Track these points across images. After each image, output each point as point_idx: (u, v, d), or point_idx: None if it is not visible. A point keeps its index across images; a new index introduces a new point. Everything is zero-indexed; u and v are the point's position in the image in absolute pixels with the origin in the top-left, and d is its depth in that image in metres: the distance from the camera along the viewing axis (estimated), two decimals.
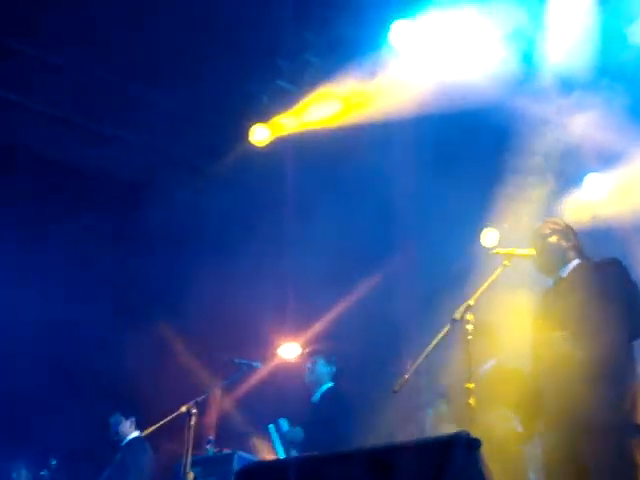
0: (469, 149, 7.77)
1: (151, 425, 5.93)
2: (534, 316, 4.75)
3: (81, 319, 8.35)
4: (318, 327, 8.66)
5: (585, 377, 4.19)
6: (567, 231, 4.82)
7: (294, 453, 6.43)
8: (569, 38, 6.74)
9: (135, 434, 7.53)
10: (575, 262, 4.73)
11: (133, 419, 7.57)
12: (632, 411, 4.23)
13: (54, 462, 8.03)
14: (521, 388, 4.81)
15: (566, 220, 4.96)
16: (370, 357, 8.70)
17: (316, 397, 6.87)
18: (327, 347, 7.17)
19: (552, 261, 4.71)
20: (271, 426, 6.60)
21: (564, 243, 4.75)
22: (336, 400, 6.74)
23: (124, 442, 7.52)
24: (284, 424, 6.59)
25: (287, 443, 6.47)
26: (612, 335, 4.29)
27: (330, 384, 6.89)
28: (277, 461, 5.17)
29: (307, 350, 7.32)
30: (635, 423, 4.21)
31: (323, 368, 6.90)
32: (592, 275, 4.54)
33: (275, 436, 6.54)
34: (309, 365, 6.94)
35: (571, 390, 4.22)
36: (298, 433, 6.45)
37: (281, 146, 8.28)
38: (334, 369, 6.96)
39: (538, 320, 4.65)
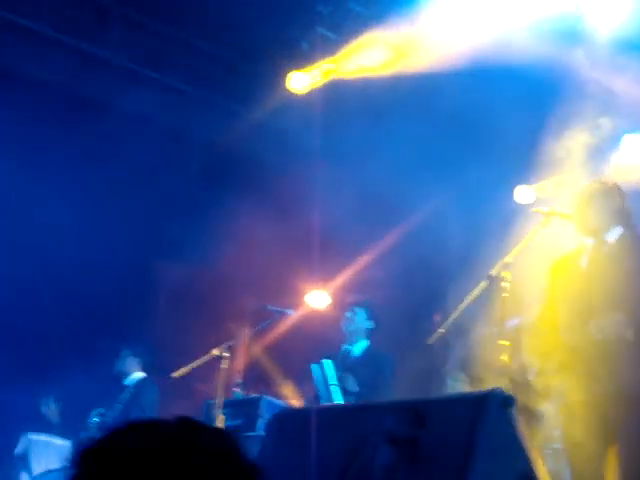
0: (509, 105, 7.64)
1: (182, 366, 6.00)
2: (572, 274, 4.66)
3: (109, 258, 8.35)
4: (347, 276, 8.65)
5: (631, 356, 4.20)
6: (614, 193, 4.71)
7: (337, 395, 6.29)
8: None
9: (141, 374, 7.62)
10: (620, 229, 4.64)
11: (140, 360, 7.64)
12: None
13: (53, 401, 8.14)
14: (549, 341, 4.77)
15: (611, 180, 4.82)
16: (402, 308, 8.71)
17: (354, 352, 6.72)
18: (371, 300, 7.00)
19: (596, 223, 4.63)
20: (314, 366, 6.47)
21: (608, 205, 4.65)
22: (380, 364, 6.57)
23: (131, 381, 7.59)
24: (329, 366, 6.41)
25: (334, 387, 6.28)
26: None
27: (367, 342, 6.72)
28: (309, 408, 5.21)
29: (349, 300, 7.11)
30: None
31: (363, 321, 6.71)
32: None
33: (319, 376, 6.40)
34: (349, 314, 6.74)
35: (617, 366, 4.22)
36: (354, 384, 6.29)
37: (319, 94, 8.21)
38: (373, 324, 6.79)
39: (578, 281, 4.58)
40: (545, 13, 6.85)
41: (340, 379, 6.28)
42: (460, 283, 8.83)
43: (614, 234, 4.60)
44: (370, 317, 6.76)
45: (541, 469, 3.32)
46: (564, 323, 4.49)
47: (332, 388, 6.19)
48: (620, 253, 4.49)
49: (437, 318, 9.42)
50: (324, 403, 6.09)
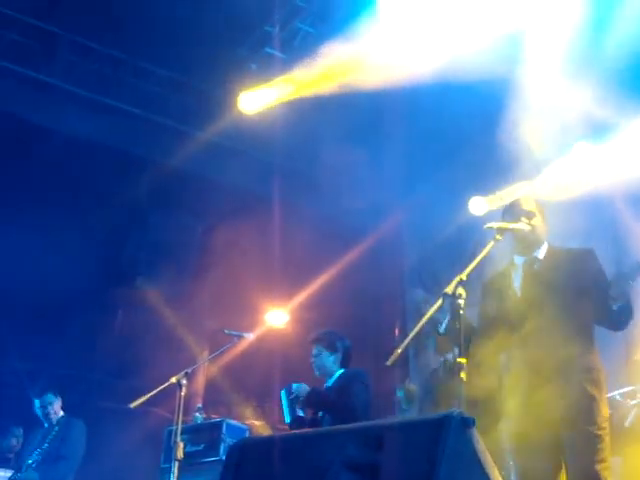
0: (460, 122, 7.74)
1: (139, 394, 5.94)
2: (505, 294, 4.70)
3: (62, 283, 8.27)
4: (306, 294, 8.66)
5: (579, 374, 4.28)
6: (542, 211, 4.81)
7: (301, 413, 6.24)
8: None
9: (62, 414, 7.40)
10: (546, 245, 4.74)
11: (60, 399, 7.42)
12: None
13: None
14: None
15: (532, 199, 4.91)
16: (360, 325, 8.73)
17: (329, 384, 6.68)
18: (326, 334, 6.92)
19: (537, 241, 4.70)
20: (283, 392, 6.41)
21: (543, 224, 4.75)
22: (349, 380, 6.49)
23: (56, 420, 7.32)
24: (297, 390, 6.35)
25: (294, 400, 6.19)
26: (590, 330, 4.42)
27: (341, 370, 6.66)
28: (269, 437, 5.18)
29: (308, 339, 7.00)
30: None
31: (328, 358, 6.62)
32: (574, 261, 4.55)
33: (286, 402, 6.34)
34: (314, 359, 6.65)
35: (563, 385, 4.29)
36: (304, 388, 6.22)
37: (270, 114, 8.22)
38: (340, 355, 6.68)
39: (511, 302, 4.62)
40: (492, 34, 6.95)
41: (296, 388, 6.27)
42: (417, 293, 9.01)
43: (542, 250, 4.69)
44: (333, 349, 6.64)
45: None
46: (501, 344, 4.54)
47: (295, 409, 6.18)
48: (550, 267, 4.57)
49: (397, 333, 9.51)
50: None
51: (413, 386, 5.72)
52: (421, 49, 7.20)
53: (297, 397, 6.18)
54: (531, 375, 4.39)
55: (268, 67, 8.17)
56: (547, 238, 4.74)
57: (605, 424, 4.31)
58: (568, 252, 4.66)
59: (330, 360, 6.47)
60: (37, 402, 7.32)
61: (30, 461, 6.98)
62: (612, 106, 7.23)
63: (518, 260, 4.70)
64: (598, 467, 4.21)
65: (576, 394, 4.28)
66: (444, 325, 4.54)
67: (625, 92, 7.02)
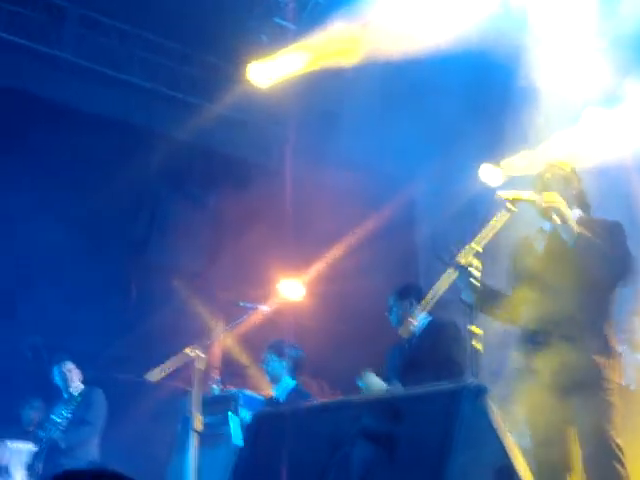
0: (467, 88, 7.71)
1: (155, 366, 5.99)
2: (530, 258, 4.70)
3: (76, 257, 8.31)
4: (320, 266, 8.66)
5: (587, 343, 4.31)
6: (570, 177, 4.74)
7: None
8: None
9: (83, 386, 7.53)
10: (577, 212, 4.69)
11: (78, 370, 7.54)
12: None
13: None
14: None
15: (568, 165, 4.85)
16: (374, 298, 8.73)
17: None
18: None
19: (553, 209, 4.66)
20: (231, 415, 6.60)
21: (566, 191, 4.69)
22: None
23: (78, 391, 7.48)
24: (244, 413, 6.55)
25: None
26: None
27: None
28: (288, 409, 5.22)
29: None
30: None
31: (276, 364, 6.80)
32: (597, 231, 4.53)
33: (235, 424, 6.52)
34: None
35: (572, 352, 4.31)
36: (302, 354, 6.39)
37: (281, 85, 8.19)
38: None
39: (535, 265, 4.63)
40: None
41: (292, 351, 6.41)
42: (431, 270, 9.00)
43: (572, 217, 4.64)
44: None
45: (519, 459, 3.35)
46: (522, 309, 4.55)
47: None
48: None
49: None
50: None
51: (373, 376, 5.70)
52: (432, 20, 7.16)
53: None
54: (544, 339, 4.40)
55: (278, 38, 8.12)
56: (581, 204, 4.71)
57: (614, 390, 4.32)
58: (594, 221, 4.63)
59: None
60: (56, 369, 7.44)
61: (55, 426, 7.11)
62: (623, 73, 7.18)
63: (546, 226, 4.68)
64: (608, 429, 4.24)
65: (585, 360, 4.29)
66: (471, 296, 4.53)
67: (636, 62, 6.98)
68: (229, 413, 6.52)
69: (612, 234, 4.48)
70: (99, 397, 7.44)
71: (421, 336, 5.84)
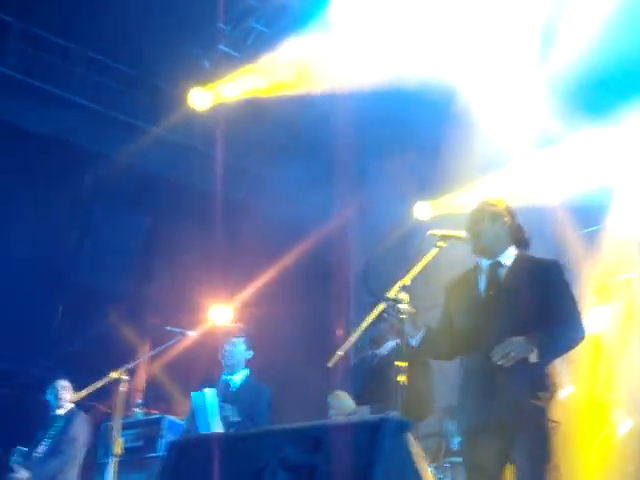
0: (406, 125, 7.83)
1: (81, 389, 5.91)
2: (470, 297, 4.75)
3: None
4: (250, 292, 8.65)
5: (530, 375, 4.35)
6: (502, 214, 4.81)
7: (214, 423, 6.33)
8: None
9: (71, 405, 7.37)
10: (513, 250, 4.74)
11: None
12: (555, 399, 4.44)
13: None
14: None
15: (502, 201, 4.93)
16: (303, 324, 8.76)
17: (234, 383, 6.74)
18: (249, 329, 7.01)
19: (488, 245, 4.72)
20: (195, 394, 6.46)
21: (498, 227, 4.74)
22: (258, 395, 6.60)
23: (64, 412, 7.28)
24: (212, 395, 6.41)
25: (217, 415, 6.30)
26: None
27: (247, 372, 6.75)
28: (209, 435, 5.19)
29: (228, 327, 7.08)
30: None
31: (243, 352, 6.72)
32: (540, 273, 4.60)
33: (199, 404, 6.40)
34: (229, 347, 6.72)
35: (515, 389, 4.36)
36: (234, 413, 6.31)
37: (221, 111, 8.22)
38: (252, 353, 6.81)
39: (477, 306, 4.66)
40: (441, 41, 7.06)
41: (221, 408, 6.29)
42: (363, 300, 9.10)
43: (509, 256, 4.70)
44: (249, 347, 6.75)
45: None
46: (463, 347, 4.58)
47: (212, 418, 6.22)
48: (516, 276, 4.60)
49: (339, 333, 9.57)
50: (201, 432, 6.08)
51: (343, 393, 5.74)
52: (371, 54, 7.27)
53: (226, 417, 6.25)
54: (486, 377, 4.44)
55: (221, 65, 8.15)
56: (516, 240, 4.77)
57: (554, 429, 4.38)
58: (535, 261, 4.67)
59: (244, 356, 6.61)
60: (51, 386, 7.24)
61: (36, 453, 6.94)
62: (558, 119, 7.38)
63: (484, 263, 4.73)
64: (547, 469, 4.29)
65: (527, 399, 4.33)
66: (417, 339, 4.57)
67: (571, 106, 7.17)
68: (193, 393, 6.40)
69: (564, 291, 4.52)
70: (79, 422, 7.18)
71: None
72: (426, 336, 4.53)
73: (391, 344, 6.11)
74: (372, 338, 6.08)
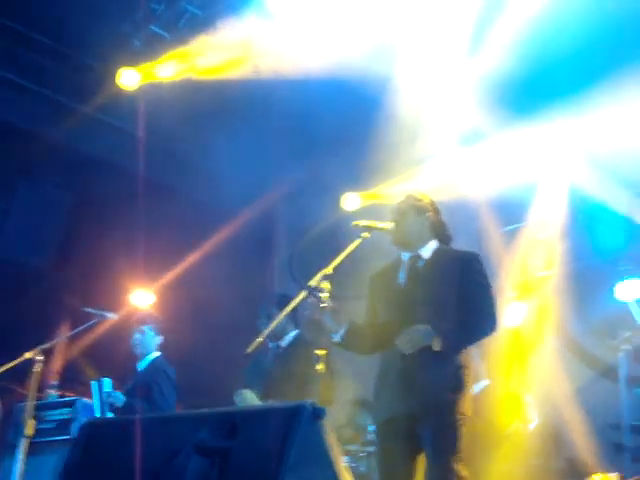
0: (336, 116, 7.86)
1: None
2: (390, 289, 4.80)
3: None
4: (173, 276, 8.59)
5: (436, 365, 4.40)
6: (426, 207, 4.88)
7: (109, 414, 6.35)
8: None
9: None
10: (434, 243, 4.81)
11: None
12: (466, 393, 4.50)
13: None
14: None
15: (426, 196, 5.00)
16: (227, 311, 8.73)
17: (142, 366, 6.76)
18: (155, 316, 7.03)
19: (409, 238, 4.79)
20: (94, 383, 6.48)
21: (421, 221, 4.81)
22: (161, 371, 6.65)
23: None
24: (107, 384, 6.45)
25: (106, 405, 6.35)
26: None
27: (158, 354, 6.79)
28: (123, 418, 5.15)
29: (136, 315, 7.11)
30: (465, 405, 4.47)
31: (152, 338, 6.79)
32: (455, 264, 4.67)
33: (96, 394, 6.43)
34: (138, 335, 6.78)
35: (421, 374, 4.42)
36: (118, 398, 6.35)
37: (150, 92, 8.11)
38: (161, 339, 6.86)
39: (396, 297, 4.72)
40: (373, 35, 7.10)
41: (108, 395, 6.34)
42: (288, 285, 9.11)
43: (429, 249, 4.77)
44: (158, 332, 6.82)
45: (347, 478, 3.42)
46: (384, 339, 4.63)
47: (106, 406, 6.30)
48: (434, 268, 4.68)
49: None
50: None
51: (249, 392, 5.77)
52: (305, 42, 7.28)
53: (111, 404, 6.28)
54: (400, 369, 4.49)
55: (152, 45, 8.04)
56: (438, 235, 4.82)
57: (464, 422, 4.45)
58: (454, 253, 4.75)
59: (154, 341, 6.66)
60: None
61: None
62: (485, 115, 7.49)
63: (404, 256, 4.79)
64: (453, 461, 4.36)
65: (439, 391, 4.41)
66: (340, 334, 4.61)
67: (497, 103, 7.29)
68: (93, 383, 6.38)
69: (480, 282, 4.61)
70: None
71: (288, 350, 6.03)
72: (348, 332, 4.59)
73: (291, 336, 6.15)
74: (272, 331, 6.06)
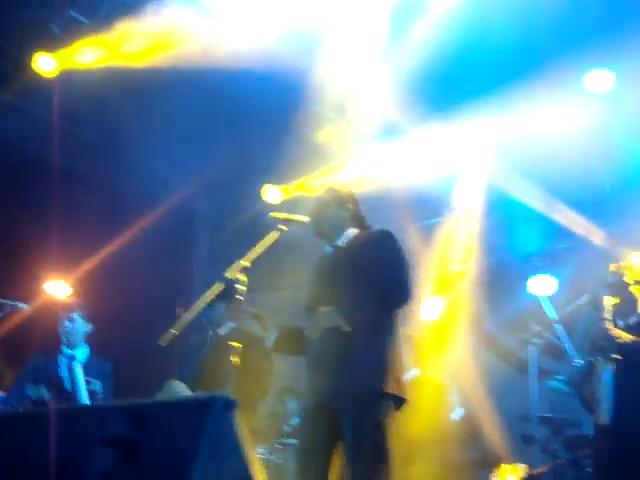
0: (259, 107, 7.84)
1: None
2: (310, 282, 4.86)
3: None
4: (90, 266, 8.46)
5: (349, 347, 4.41)
6: (346, 199, 4.92)
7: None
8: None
9: None
10: (352, 231, 4.87)
11: None
12: (389, 379, 4.50)
13: None
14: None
15: (346, 188, 5.05)
16: (146, 301, 8.64)
17: (78, 357, 6.64)
18: (82, 303, 6.92)
19: (329, 230, 4.84)
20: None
21: (341, 212, 4.86)
22: (100, 372, 6.57)
23: None
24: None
25: (31, 402, 6.19)
26: (374, 307, 4.52)
27: (87, 348, 6.68)
28: (26, 411, 5.04)
29: (63, 302, 6.99)
30: (390, 391, 4.48)
31: (82, 326, 6.68)
32: (365, 244, 4.71)
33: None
34: (68, 324, 6.65)
35: (337, 358, 4.43)
36: (43, 393, 6.23)
37: (68, 79, 7.96)
38: (90, 327, 6.76)
39: (316, 285, 4.77)
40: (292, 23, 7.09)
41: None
42: (208, 275, 9.07)
43: (347, 236, 4.82)
44: (87, 320, 6.72)
45: (259, 470, 3.42)
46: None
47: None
48: (349, 253, 4.72)
49: (179, 312, 9.48)
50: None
51: (179, 383, 5.74)
52: (227, 30, 7.25)
53: (36, 402, 6.15)
54: (323, 357, 4.51)
55: (71, 31, 7.88)
56: (357, 225, 4.85)
57: (389, 406, 4.48)
58: (366, 234, 4.81)
59: (83, 329, 6.57)
60: None
61: None
62: (404, 111, 7.57)
63: (328, 249, 4.83)
64: (379, 443, 4.39)
65: (360, 380, 4.43)
66: (271, 341, 4.63)
67: (417, 99, 7.37)
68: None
69: (391, 257, 4.63)
70: None
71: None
72: (279, 337, 4.64)
73: (229, 326, 6.15)
74: (212, 320, 6.11)
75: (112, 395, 6.44)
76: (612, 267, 5.43)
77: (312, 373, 4.59)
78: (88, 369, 6.51)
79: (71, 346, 6.58)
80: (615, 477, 5.23)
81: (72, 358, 6.53)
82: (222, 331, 6.11)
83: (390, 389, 4.45)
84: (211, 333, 6.16)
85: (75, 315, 6.67)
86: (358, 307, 4.46)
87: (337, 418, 4.46)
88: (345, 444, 4.45)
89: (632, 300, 5.37)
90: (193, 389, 5.71)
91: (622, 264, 5.40)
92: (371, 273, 4.52)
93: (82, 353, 6.60)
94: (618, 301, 5.30)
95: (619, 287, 5.31)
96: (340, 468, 4.51)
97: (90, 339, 6.78)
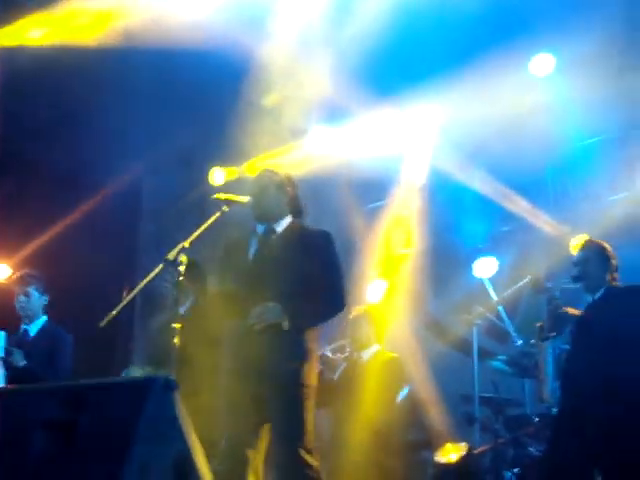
0: (202, 89, 7.80)
1: None
2: (239, 261, 4.83)
3: None
4: (32, 248, 8.37)
5: (280, 349, 4.46)
6: (284, 183, 4.92)
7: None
8: None
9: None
10: (288, 219, 4.88)
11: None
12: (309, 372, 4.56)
13: None
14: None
15: (286, 171, 5.05)
16: (89, 286, 8.56)
17: (32, 330, 6.55)
18: (39, 274, 6.78)
19: (267, 212, 4.84)
20: None
21: (281, 196, 4.86)
22: (56, 339, 6.47)
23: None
24: (1, 339, 6.18)
25: (3, 361, 6.07)
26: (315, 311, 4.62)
27: (45, 318, 6.58)
28: None
29: (17, 276, 6.84)
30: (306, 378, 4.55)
31: (38, 299, 6.55)
32: (308, 245, 4.73)
33: None
34: (23, 297, 6.53)
35: (270, 354, 4.46)
36: (20, 357, 6.11)
37: (10, 57, 7.82)
38: (48, 298, 6.65)
39: (245, 269, 4.76)
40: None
41: (8, 352, 6.10)
42: (154, 257, 9.01)
43: (283, 224, 4.83)
44: (43, 292, 6.60)
45: (200, 454, 3.42)
46: (229, 309, 4.67)
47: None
48: (284, 244, 4.74)
49: (124, 295, 9.43)
50: None
51: (138, 368, 5.71)
52: (171, 10, 7.19)
53: (9, 361, 6.07)
54: (245, 343, 4.54)
55: (11, 10, 7.74)
56: (293, 209, 4.86)
57: (310, 394, 4.53)
58: (305, 230, 4.82)
59: (40, 302, 6.48)
60: None
61: None
62: (348, 94, 7.58)
63: (259, 229, 4.82)
64: (300, 433, 4.43)
65: (283, 365, 4.47)
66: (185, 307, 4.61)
67: (360, 82, 7.39)
68: None
69: (330, 262, 4.68)
70: None
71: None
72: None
73: (187, 306, 6.09)
74: (175, 300, 6.02)
75: (70, 366, 6.39)
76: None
77: (233, 361, 4.62)
78: (40, 338, 6.44)
79: (29, 320, 6.50)
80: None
81: (25, 333, 6.46)
82: (182, 310, 6.08)
83: (310, 374, 4.54)
84: (174, 312, 6.13)
85: (30, 289, 6.55)
86: (300, 308, 4.52)
87: (263, 404, 4.49)
88: (272, 440, 4.51)
89: None
90: (159, 371, 5.68)
91: None
92: (314, 279, 4.57)
93: (36, 325, 6.53)
94: None
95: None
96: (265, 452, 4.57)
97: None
